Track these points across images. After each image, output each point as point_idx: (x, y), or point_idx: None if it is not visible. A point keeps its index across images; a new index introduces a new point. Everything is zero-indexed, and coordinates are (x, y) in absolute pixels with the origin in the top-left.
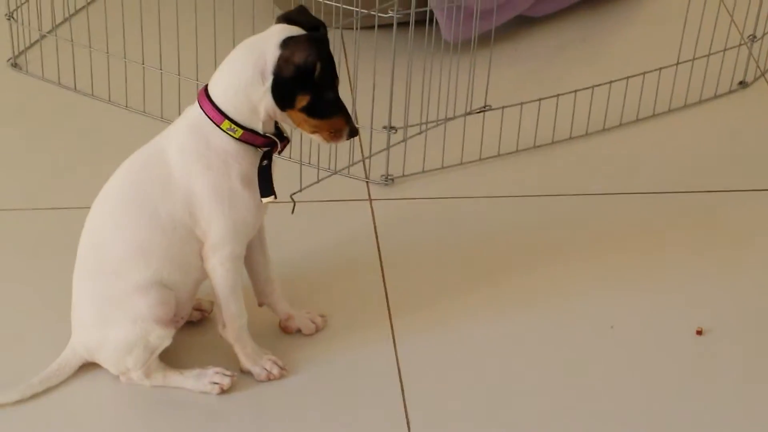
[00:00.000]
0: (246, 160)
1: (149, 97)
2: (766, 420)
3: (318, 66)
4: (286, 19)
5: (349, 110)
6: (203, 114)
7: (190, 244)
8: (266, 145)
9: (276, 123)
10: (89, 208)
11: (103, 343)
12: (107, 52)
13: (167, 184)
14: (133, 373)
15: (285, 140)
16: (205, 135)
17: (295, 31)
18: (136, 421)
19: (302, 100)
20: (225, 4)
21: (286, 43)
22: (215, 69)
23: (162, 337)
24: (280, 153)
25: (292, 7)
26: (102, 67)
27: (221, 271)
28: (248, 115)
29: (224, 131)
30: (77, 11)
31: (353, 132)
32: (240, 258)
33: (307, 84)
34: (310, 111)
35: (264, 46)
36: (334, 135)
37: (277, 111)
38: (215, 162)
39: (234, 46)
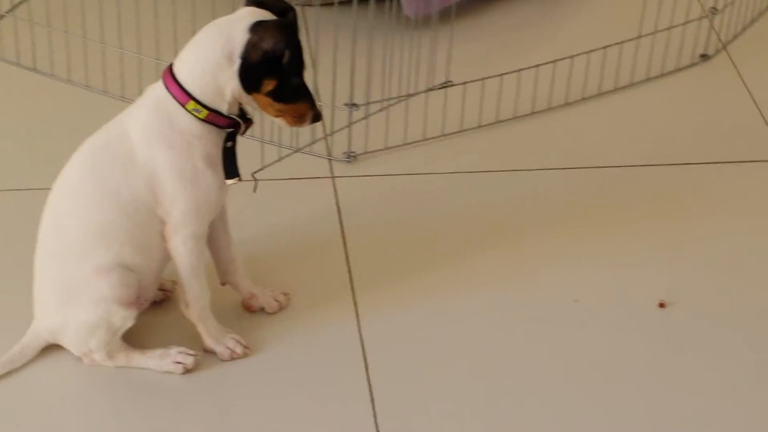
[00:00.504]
0: (209, 140)
1: (110, 77)
2: (729, 391)
3: (286, 53)
4: (256, 2)
5: (311, 88)
6: (168, 94)
7: (153, 224)
8: (230, 126)
9: (240, 104)
10: (49, 189)
11: (66, 325)
12: (66, 32)
13: (129, 164)
14: (96, 354)
15: (248, 121)
16: (169, 115)
17: (265, 15)
18: (100, 402)
19: (268, 85)
20: None
21: (255, 28)
22: (176, 48)
23: (125, 319)
24: (243, 134)
25: None
26: (62, 46)
27: (183, 251)
28: (214, 96)
29: (189, 111)
30: None
31: (317, 117)
32: (202, 237)
33: (274, 69)
34: (276, 95)
35: (233, 29)
36: (297, 119)
37: (243, 94)
38: (178, 142)
39: (194, 24)
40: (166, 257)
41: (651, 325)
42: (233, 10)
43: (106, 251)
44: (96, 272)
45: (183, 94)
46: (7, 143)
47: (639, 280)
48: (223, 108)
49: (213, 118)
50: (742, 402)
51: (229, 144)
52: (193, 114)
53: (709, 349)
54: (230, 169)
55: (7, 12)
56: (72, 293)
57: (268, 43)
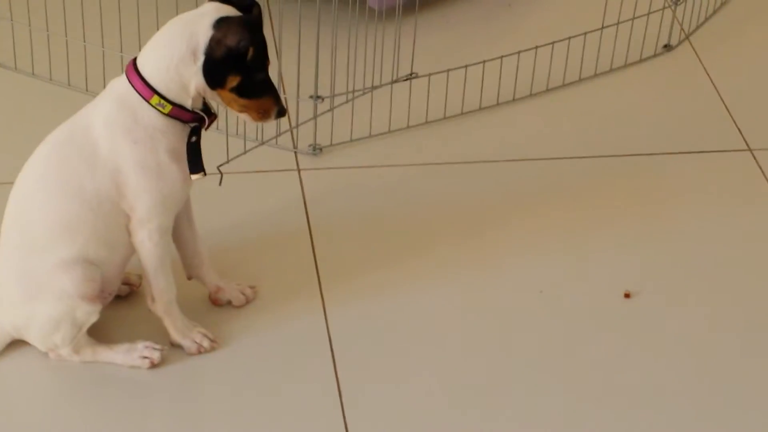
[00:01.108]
0: (174, 135)
1: (73, 70)
2: (694, 380)
3: (250, 50)
4: None
5: (275, 80)
6: (131, 88)
7: (117, 219)
8: (194, 120)
9: (204, 99)
10: (12, 183)
11: (30, 321)
12: (29, 25)
13: (93, 159)
14: (61, 349)
15: (212, 116)
16: (133, 109)
17: (229, 10)
18: (66, 398)
19: (232, 81)
20: None
21: (219, 24)
22: (140, 41)
23: (89, 313)
24: (207, 129)
25: None
26: (25, 40)
27: (149, 245)
28: (178, 91)
29: (153, 106)
30: None
31: (281, 112)
32: (168, 231)
33: (239, 66)
34: (240, 91)
35: (197, 25)
36: (262, 115)
37: (207, 89)
38: (142, 136)
39: (158, 17)
40: (131, 251)
41: (616, 315)
42: (197, 4)
43: (70, 245)
44: (59, 266)
45: (147, 89)
46: None
47: (604, 270)
48: (187, 103)
49: (177, 112)
50: (708, 390)
51: (194, 139)
52: (157, 109)
53: (675, 338)
54: (195, 163)
55: None
56: (35, 288)
57: (232, 40)
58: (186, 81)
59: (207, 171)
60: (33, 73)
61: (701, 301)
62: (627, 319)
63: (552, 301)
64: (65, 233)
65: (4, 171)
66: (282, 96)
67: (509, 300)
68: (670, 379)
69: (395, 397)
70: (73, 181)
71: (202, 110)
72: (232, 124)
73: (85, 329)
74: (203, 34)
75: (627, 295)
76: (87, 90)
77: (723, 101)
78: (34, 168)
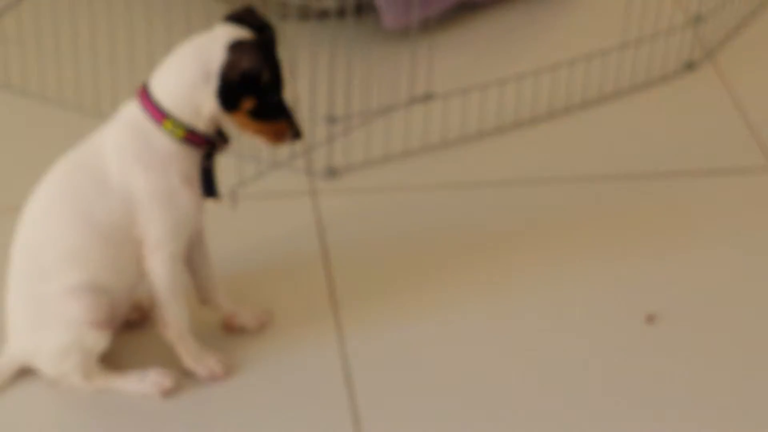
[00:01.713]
0: (186, 159)
1: (84, 93)
2: (717, 404)
3: (264, 72)
4: (234, 18)
5: (290, 102)
6: (143, 112)
7: (127, 246)
8: (207, 145)
9: (217, 123)
10: (21, 208)
11: (39, 348)
12: (40, 48)
13: (103, 185)
14: (72, 377)
15: (225, 140)
16: (145, 134)
17: (243, 33)
18: (77, 426)
19: (247, 104)
20: None
21: (233, 47)
22: (151, 63)
23: (98, 340)
24: (219, 153)
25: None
26: (35, 63)
27: (161, 272)
28: (191, 115)
29: (166, 131)
30: (8, 7)
31: (297, 135)
32: (180, 258)
33: (253, 89)
34: (255, 114)
35: (211, 48)
36: (277, 138)
37: (221, 113)
38: (154, 162)
39: (170, 38)
40: (139, 279)
41: (639, 339)
42: (208, 24)
43: (79, 272)
44: (68, 293)
45: (159, 113)
46: None
47: (626, 294)
48: (201, 127)
49: (190, 137)
50: (731, 415)
51: (207, 163)
52: (170, 133)
53: (698, 362)
54: (209, 188)
55: None
56: (44, 315)
57: (246, 63)
58: (199, 105)
59: (221, 194)
60: (44, 96)
61: (726, 324)
62: (650, 343)
63: (574, 325)
64: (75, 260)
65: (14, 195)
66: (296, 118)
67: (531, 324)
68: (695, 403)
69: (413, 426)
70: (83, 207)
71: (216, 135)
72: (246, 147)
73: (95, 356)
74: (217, 56)
75: (650, 319)
76: (98, 113)
77: (746, 119)
78: (44, 193)
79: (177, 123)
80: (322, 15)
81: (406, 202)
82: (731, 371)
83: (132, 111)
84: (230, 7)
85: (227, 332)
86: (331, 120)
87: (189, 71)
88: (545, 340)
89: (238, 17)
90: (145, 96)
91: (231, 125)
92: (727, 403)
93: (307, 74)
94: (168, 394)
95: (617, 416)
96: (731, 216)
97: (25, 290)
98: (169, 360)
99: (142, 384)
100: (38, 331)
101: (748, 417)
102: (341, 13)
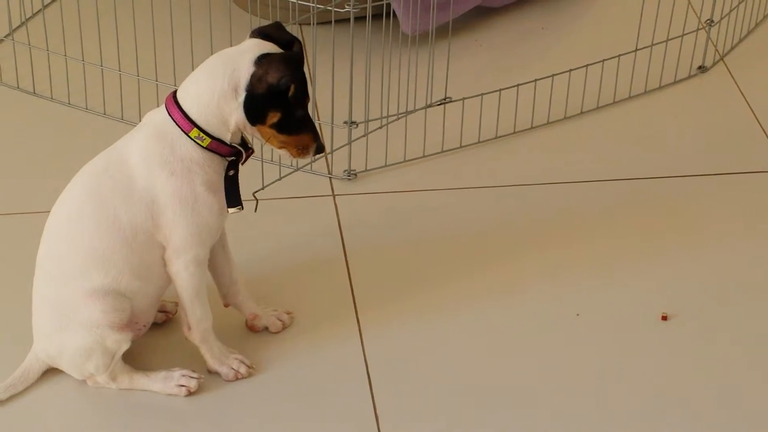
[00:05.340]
0: (211, 167)
1: (109, 99)
2: (732, 402)
3: (291, 86)
4: (261, 33)
5: (310, 106)
6: (170, 120)
7: (152, 250)
8: (232, 154)
9: (242, 134)
10: (48, 212)
11: (63, 350)
12: (65, 55)
13: (128, 190)
14: (98, 377)
15: (250, 150)
16: (171, 141)
17: (270, 47)
18: (103, 425)
19: (273, 117)
20: (182, 3)
21: (261, 61)
22: (175, 70)
23: (119, 341)
24: (243, 163)
25: (249, 7)
26: (61, 70)
27: (185, 275)
28: (217, 125)
29: (192, 139)
30: (34, 14)
31: (320, 149)
32: (204, 261)
33: (279, 102)
34: (280, 127)
35: (239, 61)
36: (301, 151)
37: (247, 125)
38: (179, 168)
39: (192, 46)
40: (166, 282)
41: (654, 338)
42: (230, 33)
43: (104, 276)
44: (90, 296)
45: (187, 122)
46: (6, 166)
47: (641, 293)
48: (227, 137)
49: (215, 146)
50: (745, 414)
51: (232, 173)
52: (196, 142)
53: (712, 360)
54: (232, 198)
55: (6, 36)
56: (67, 317)
57: (273, 77)
58: (226, 116)
59: (243, 197)
60: (69, 103)
61: (740, 324)
62: (665, 342)
63: (589, 324)
64: (99, 264)
65: (40, 200)
66: (316, 122)
67: (547, 323)
68: (708, 401)
69: (432, 423)
70: (108, 212)
71: (240, 145)
72: (267, 151)
73: (118, 357)
74: (245, 70)
75: (664, 318)
76: (122, 119)
77: (759, 122)
78: (69, 198)
79: (203, 132)
80: (342, 20)
81: (424, 204)
82: (744, 371)
83: (159, 118)
84: (251, 15)
85: (251, 332)
86: (351, 124)
87: (217, 83)
88: (560, 337)
89: (266, 32)
90: (173, 104)
91: (257, 137)
92: (737, 405)
93: (327, 79)
94: (192, 394)
95: (634, 416)
96: (745, 216)
97: (50, 293)
98: (193, 360)
99: (167, 384)
100: (61, 334)
101: (757, 418)
102: (361, 18)
